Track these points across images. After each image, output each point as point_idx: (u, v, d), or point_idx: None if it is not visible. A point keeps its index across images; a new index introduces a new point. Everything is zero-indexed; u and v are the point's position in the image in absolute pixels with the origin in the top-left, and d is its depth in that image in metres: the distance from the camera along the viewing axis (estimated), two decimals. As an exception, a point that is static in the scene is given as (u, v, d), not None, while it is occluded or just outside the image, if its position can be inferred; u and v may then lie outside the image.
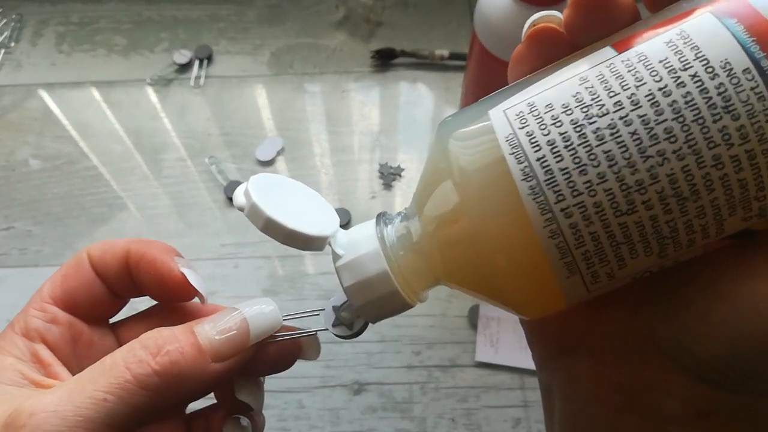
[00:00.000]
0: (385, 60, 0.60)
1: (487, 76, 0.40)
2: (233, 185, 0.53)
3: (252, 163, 0.55)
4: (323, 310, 0.22)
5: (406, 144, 0.56)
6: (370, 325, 0.22)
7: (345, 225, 0.52)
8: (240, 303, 0.21)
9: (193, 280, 0.22)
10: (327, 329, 0.22)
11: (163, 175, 0.55)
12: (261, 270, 0.50)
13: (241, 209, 0.20)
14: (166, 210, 0.53)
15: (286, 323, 0.22)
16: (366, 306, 0.20)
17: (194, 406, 0.25)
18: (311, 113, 0.58)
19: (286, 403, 0.45)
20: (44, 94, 0.59)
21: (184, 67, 0.60)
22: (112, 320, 0.24)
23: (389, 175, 0.54)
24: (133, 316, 0.24)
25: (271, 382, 0.47)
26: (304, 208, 0.21)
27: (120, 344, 0.21)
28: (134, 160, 0.56)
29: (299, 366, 0.49)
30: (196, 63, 0.60)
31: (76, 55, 0.62)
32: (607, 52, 0.16)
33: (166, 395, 0.18)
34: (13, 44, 0.62)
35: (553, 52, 0.18)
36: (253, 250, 0.51)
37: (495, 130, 0.16)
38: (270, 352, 0.22)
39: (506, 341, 0.46)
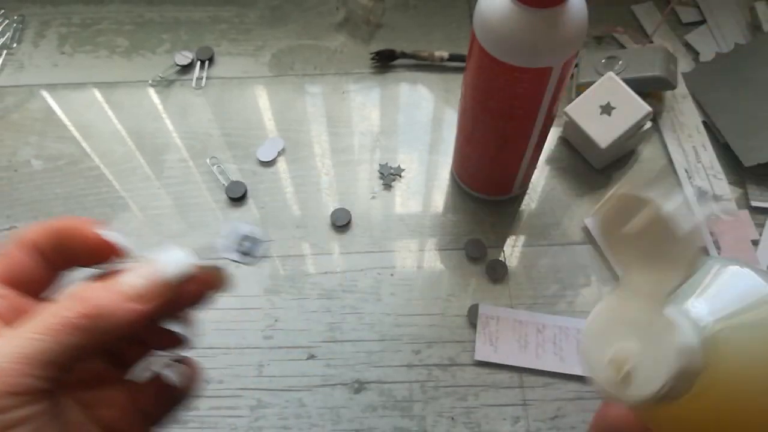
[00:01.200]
0: (385, 61, 0.60)
1: (487, 77, 0.40)
2: (234, 185, 0.53)
3: (253, 164, 0.55)
4: (221, 245, 0.24)
5: (406, 145, 0.56)
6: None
7: (346, 225, 0.52)
8: (156, 254, 0.24)
9: (117, 239, 0.25)
10: (228, 259, 0.24)
11: (165, 175, 0.55)
12: (262, 269, 0.50)
13: None
14: (168, 210, 0.53)
15: (200, 264, 0.25)
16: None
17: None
18: (312, 114, 0.58)
19: (287, 402, 0.45)
20: (46, 95, 0.60)
21: (186, 69, 0.61)
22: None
23: (389, 176, 0.55)
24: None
25: (272, 381, 0.47)
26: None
27: None
28: (136, 161, 0.56)
29: (300, 365, 0.49)
30: (198, 64, 0.61)
31: (78, 56, 0.62)
32: None
33: (95, 334, 0.21)
34: (15, 45, 0.62)
35: None
36: (254, 250, 0.51)
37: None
38: (188, 290, 0.24)
39: (505, 340, 0.47)
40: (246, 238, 0.25)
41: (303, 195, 0.54)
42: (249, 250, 0.25)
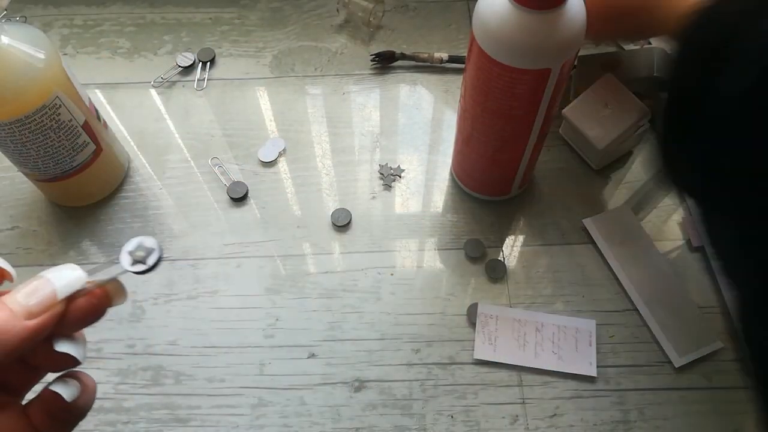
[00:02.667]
0: (385, 63, 0.61)
1: (486, 78, 0.41)
2: (236, 186, 0.54)
3: (255, 164, 0.56)
4: (118, 260, 0.24)
5: (406, 145, 0.57)
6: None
7: (346, 225, 0.52)
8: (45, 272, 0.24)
9: (2, 263, 0.24)
10: (126, 271, 0.24)
11: (167, 176, 0.56)
12: (263, 269, 0.51)
13: None
14: (170, 210, 0.54)
15: (93, 279, 0.24)
16: None
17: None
18: (312, 115, 0.59)
19: (287, 400, 0.46)
20: (49, 96, 0.60)
21: (188, 70, 0.61)
22: None
23: (389, 176, 0.55)
24: None
25: (273, 379, 0.48)
26: None
27: None
28: (138, 161, 0.56)
29: (300, 364, 0.50)
30: (199, 65, 0.61)
31: (80, 57, 0.63)
32: None
33: None
34: (18, 47, 0.63)
35: None
36: (256, 250, 0.52)
37: None
38: (81, 305, 0.24)
39: (504, 339, 0.47)
40: (139, 247, 0.25)
41: (304, 195, 0.54)
42: (142, 258, 0.25)
